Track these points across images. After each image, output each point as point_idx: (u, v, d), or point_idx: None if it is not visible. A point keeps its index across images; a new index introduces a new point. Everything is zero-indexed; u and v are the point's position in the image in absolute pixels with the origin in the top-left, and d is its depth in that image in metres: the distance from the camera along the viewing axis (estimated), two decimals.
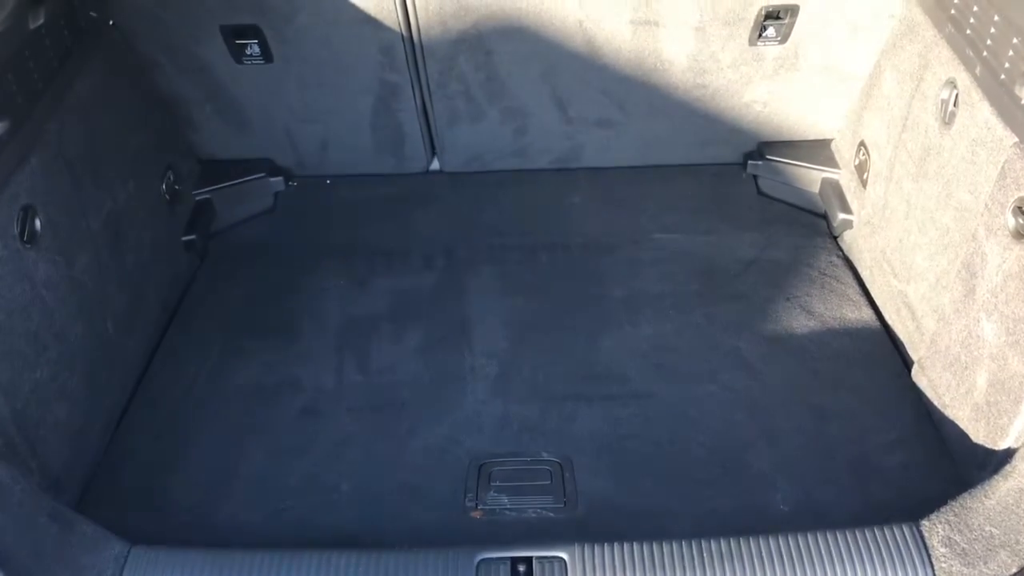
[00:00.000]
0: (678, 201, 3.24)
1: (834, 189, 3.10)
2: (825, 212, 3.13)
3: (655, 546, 1.90)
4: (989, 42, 2.20)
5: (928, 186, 2.46)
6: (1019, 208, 2.01)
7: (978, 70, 2.24)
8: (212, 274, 3.07)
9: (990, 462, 2.08)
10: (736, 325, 2.73)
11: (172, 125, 3.12)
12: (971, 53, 2.28)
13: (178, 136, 3.16)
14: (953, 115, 2.34)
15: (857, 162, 2.96)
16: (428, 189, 3.35)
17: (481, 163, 3.35)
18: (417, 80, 3.05)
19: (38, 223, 2.21)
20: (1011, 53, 2.10)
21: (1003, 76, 2.13)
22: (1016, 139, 2.06)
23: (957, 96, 2.33)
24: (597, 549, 1.91)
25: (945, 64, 2.41)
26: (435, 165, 3.38)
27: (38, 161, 2.24)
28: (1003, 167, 2.08)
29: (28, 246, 2.17)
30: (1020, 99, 2.05)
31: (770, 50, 2.94)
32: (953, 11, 2.40)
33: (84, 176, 2.46)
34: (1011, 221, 2.04)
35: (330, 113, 3.15)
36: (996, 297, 2.09)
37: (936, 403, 2.35)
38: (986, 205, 2.14)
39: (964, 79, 2.30)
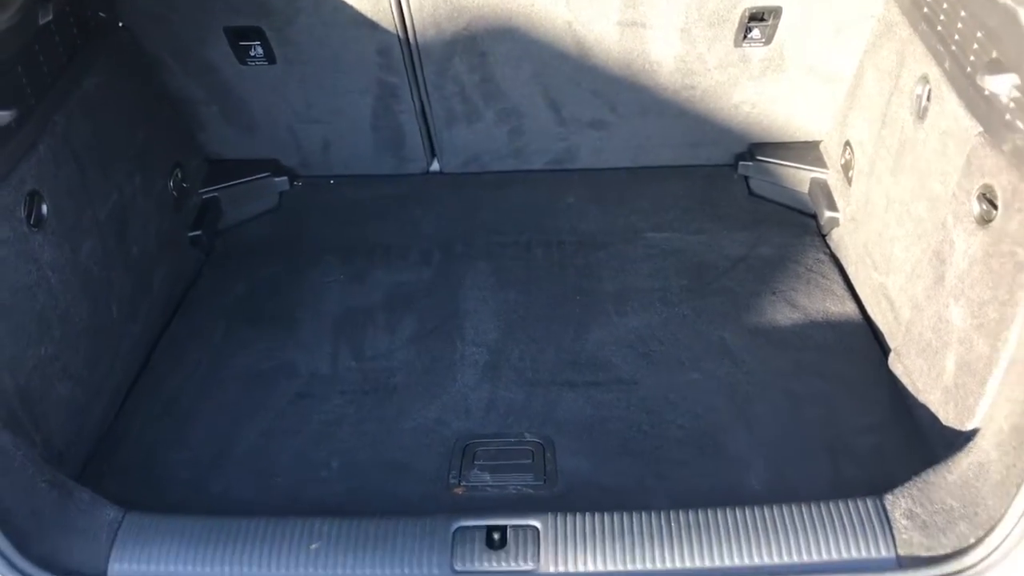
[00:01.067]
0: (670, 201, 3.32)
1: (822, 188, 3.17)
2: (814, 211, 3.20)
3: (626, 516, 1.97)
4: (957, 37, 2.27)
5: (905, 179, 2.53)
6: (983, 195, 2.08)
7: (947, 64, 2.31)
8: (216, 268, 3.17)
9: (957, 442, 2.13)
10: (722, 317, 2.80)
11: (180, 124, 3.23)
12: (941, 48, 2.35)
13: (186, 135, 3.27)
14: (926, 109, 2.41)
15: (843, 161, 3.03)
16: (428, 189, 3.44)
17: (479, 164, 3.44)
18: (415, 81, 3.13)
19: (44, 208, 2.31)
20: (976, 46, 2.17)
21: (969, 68, 2.20)
22: (980, 128, 2.13)
23: (930, 91, 2.40)
24: (570, 518, 1.98)
25: (919, 60, 2.48)
26: (435, 166, 3.48)
27: (45, 149, 2.35)
28: (968, 155, 2.15)
29: (35, 229, 2.28)
30: (983, 90, 2.11)
31: (756, 51, 3.01)
32: (926, 8, 2.47)
33: (90, 167, 2.57)
34: (976, 207, 2.10)
35: (332, 113, 3.25)
36: (963, 282, 2.15)
37: (910, 389, 2.40)
38: (954, 193, 2.21)
39: (935, 74, 2.37)
